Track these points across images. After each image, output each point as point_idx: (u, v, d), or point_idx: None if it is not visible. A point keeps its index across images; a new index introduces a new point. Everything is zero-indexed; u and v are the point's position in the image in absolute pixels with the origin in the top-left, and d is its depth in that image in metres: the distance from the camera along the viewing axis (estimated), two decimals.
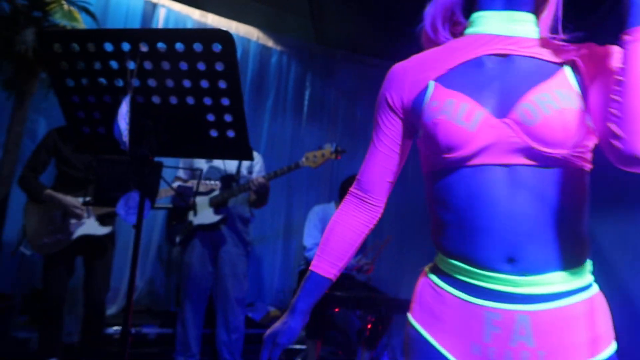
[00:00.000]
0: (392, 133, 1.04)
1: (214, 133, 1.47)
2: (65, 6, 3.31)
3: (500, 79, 0.90)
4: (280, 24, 4.35)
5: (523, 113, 0.85)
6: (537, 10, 0.98)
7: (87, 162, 2.67)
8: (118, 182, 2.23)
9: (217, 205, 2.98)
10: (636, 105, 0.77)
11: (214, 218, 2.99)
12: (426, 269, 1.00)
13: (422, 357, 0.90)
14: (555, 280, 0.84)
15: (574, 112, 0.84)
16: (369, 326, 2.93)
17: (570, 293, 0.85)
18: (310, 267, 1.06)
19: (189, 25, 3.99)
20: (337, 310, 3.32)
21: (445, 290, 0.91)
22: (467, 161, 0.87)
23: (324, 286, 1.06)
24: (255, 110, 4.17)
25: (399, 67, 1.04)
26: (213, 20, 4.14)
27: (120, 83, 1.46)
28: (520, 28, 0.95)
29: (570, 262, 0.85)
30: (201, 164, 3.02)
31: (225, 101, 1.41)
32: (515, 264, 0.82)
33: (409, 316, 0.97)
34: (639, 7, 0.79)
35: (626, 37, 0.80)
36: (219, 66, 1.36)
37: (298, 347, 3.38)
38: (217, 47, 1.34)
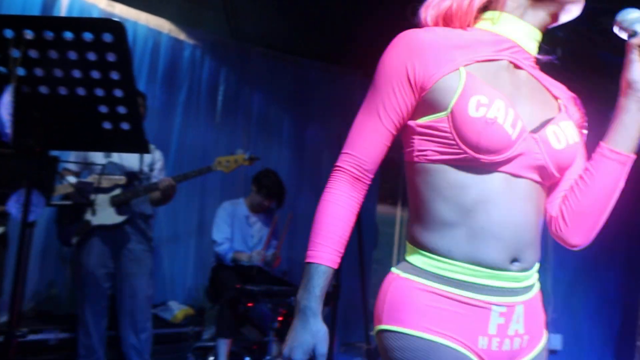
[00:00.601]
0: (402, 108, 0.93)
1: (107, 125, 1.43)
2: None
3: (525, 93, 0.95)
4: (193, 17, 4.26)
5: (553, 135, 0.92)
6: None
7: None
8: (9, 178, 2.10)
9: (119, 204, 2.87)
10: (588, 211, 0.95)
11: (117, 219, 2.87)
12: (402, 273, 0.94)
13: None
14: (534, 273, 0.97)
15: (580, 147, 0.98)
16: (280, 318, 2.97)
17: (535, 283, 0.99)
18: (313, 260, 0.92)
19: (94, 15, 3.80)
20: (250, 305, 3.33)
21: (446, 291, 0.89)
22: (496, 166, 0.88)
23: (331, 277, 0.94)
24: (166, 105, 4.05)
25: (421, 36, 0.92)
26: (121, 11, 3.97)
27: (3, 71, 1.38)
28: (534, 47, 0.99)
29: (538, 258, 0.98)
30: (98, 158, 2.87)
31: (119, 93, 1.38)
32: (517, 264, 0.91)
33: (400, 329, 0.90)
34: (629, 133, 0.92)
35: (614, 155, 0.93)
36: (111, 57, 1.33)
37: (209, 344, 3.35)
38: (108, 37, 1.31)
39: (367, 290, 3.05)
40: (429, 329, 0.88)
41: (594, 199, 0.95)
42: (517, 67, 0.96)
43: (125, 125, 1.44)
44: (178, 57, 4.15)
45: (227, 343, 3.13)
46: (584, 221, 0.96)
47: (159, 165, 3.14)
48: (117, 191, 2.87)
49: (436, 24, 0.97)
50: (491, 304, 0.90)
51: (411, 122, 0.93)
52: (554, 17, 0.98)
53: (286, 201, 3.78)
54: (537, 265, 0.97)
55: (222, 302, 3.16)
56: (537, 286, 0.99)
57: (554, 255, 3.56)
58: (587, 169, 0.96)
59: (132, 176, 2.97)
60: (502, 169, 0.88)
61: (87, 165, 2.86)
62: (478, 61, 0.91)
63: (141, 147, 1.48)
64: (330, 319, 2.34)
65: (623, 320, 3.34)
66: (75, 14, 3.69)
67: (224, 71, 4.34)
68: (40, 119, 1.41)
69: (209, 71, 4.28)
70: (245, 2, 4.04)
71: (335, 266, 0.94)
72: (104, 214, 2.86)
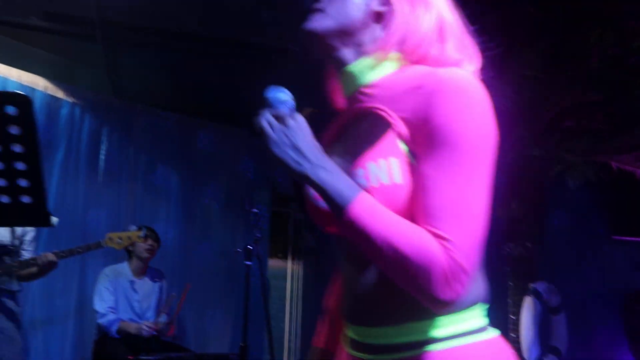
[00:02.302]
0: None
1: (4, 199, 1.35)
2: None
3: (345, 142, 0.91)
4: (72, 74, 4.09)
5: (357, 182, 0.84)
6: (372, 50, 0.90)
7: None
8: None
9: None
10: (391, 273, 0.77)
11: None
12: None
13: None
14: (391, 334, 0.83)
15: (400, 188, 0.79)
16: None
17: (413, 346, 0.81)
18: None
19: None
20: None
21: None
22: (336, 234, 0.91)
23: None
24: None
25: None
26: None
27: None
28: (356, 82, 0.91)
29: (400, 317, 0.83)
30: None
31: (21, 165, 1.32)
32: (356, 318, 0.88)
33: None
34: (333, 189, 0.77)
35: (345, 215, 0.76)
36: (14, 130, 1.28)
37: None
38: (11, 110, 1.27)
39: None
40: None
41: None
42: (354, 115, 0.92)
43: (25, 199, 1.38)
44: (55, 116, 3.93)
45: None
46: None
47: (29, 236, 2.89)
48: None
49: None
50: (350, 356, 0.92)
51: None
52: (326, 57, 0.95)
53: (177, 265, 3.67)
54: (403, 327, 0.82)
55: None
56: (427, 348, 0.81)
57: None
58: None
59: (1, 249, 2.70)
60: (338, 232, 0.90)
61: None
62: (330, 133, 0.98)
63: (43, 220, 1.41)
64: None
65: None
66: None
67: (106, 130, 4.18)
68: None
69: (89, 130, 4.10)
70: (128, 60, 4.00)
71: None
72: None
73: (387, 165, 0.79)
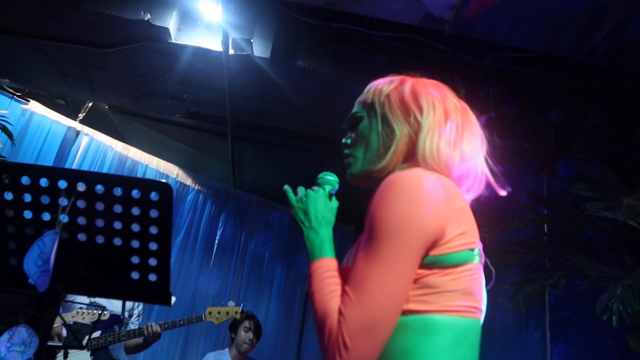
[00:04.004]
0: None
1: (135, 275, 1.48)
2: None
3: None
4: (200, 164, 4.55)
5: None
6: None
7: None
8: (2, 314, 2.05)
9: (97, 349, 2.74)
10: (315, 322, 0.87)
11: None
12: None
13: None
14: None
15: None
16: None
17: None
18: None
19: (110, 156, 4.05)
20: None
21: None
22: None
23: None
24: None
25: None
26: (135, 154, 4.24)
27: (46, 217, 1.46)
28: None
29: None
30: (81, 297, 2.74)
31: (153, 246, 1.46)
32: None
33: None
34: (311, 247, 0.97)
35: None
36: (154, 213, 1.43)
37: None
38: (155, 196, 1.43)
39: None
40: None
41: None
42: None
43: (152, 277, 1.50)
44: (181, 201, 4.34)
45: None
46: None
47: (139, 309, 3.08)
48: (96, 334, 2.76)
49: None
50: None
51: None
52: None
53: (275, 354, 3.64)
54: None
55: None
56: None
57: None
58: None
59: (114, 319, 2.89)
60: None
61: (66, 302, 2.78)
62: None
63: (164, 299, 1.52)
64: None
65: None
66: (91, 155, 3.94)
67: (223, 216, 4.50)
68: (72, 264, 1.46)
69: (209, 215, 4.44)
70: (250, 157, 4.36)
71: None
72: (77, 359, 2.70)
73: (350, 253, 0.96)
